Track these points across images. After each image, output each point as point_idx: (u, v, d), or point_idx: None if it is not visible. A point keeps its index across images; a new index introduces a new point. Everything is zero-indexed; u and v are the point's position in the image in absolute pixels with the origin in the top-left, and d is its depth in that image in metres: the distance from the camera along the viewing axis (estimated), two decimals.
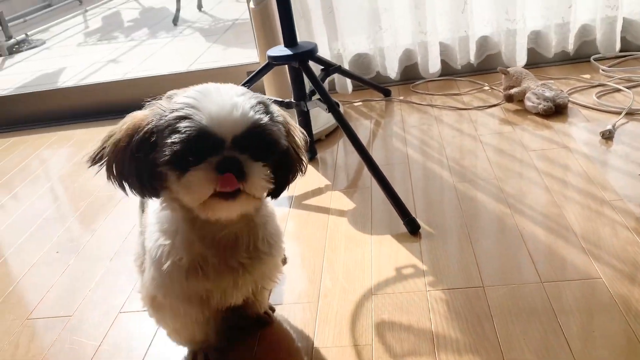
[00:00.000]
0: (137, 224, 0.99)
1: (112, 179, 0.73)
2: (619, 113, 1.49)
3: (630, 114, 1.48)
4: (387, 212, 1.24)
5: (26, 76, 3.13)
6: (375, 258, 1.11)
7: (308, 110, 1.48)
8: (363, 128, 1.70)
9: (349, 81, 1.89)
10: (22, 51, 3.78)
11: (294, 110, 1.50)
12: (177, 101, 0.69)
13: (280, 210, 1.32)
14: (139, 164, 0.71)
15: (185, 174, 0.68)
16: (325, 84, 1.91)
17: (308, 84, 1.47)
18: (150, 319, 1.02)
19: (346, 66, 1.88)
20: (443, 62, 1.89)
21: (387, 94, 1.87)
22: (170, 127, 0.67)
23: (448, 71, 1.91)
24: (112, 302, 1.11)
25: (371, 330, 0.94)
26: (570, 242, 1.06)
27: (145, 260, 0.86)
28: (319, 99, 1.38)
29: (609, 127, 1.40)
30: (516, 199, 1.22)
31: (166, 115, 0.68)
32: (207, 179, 0.67)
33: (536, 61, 1.86)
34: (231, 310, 0.92)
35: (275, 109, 0.74)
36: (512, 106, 1.65)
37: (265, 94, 1.70)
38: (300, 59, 1.39)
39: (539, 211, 1.17)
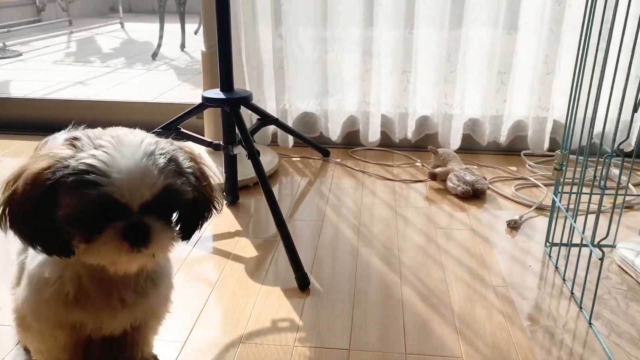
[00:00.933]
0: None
1: (18, 236, 0.71)
2: (530, 206, 1.55)
3: (540, 209, 1.54)
4: (285, 266, 1.25)
5: None
6: (257, 308, 1.11)
7: (235, 155, 1.51)
8: (294, 182, 1.73)
9: (290, 136, 1.93)
10: None
11: (222, 153, 1.53)
12: (82, 157, 0.66)
13: (182, 248, 1.32)
14: (39, 221, 0.68)
15: (90, 239, 0.67)
16: (268, 136, 1.97)
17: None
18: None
19: (291, 123, 1.93)
20: (383, 133, 1.96)
21: (325, 154, 1.92)
22: (74, 189, 0.65)
23: (387, 143, 1.97)
24: None
25: None
26: (446, 319, 1.08)
27: (23, 279, 0.83)
28: (242, 145, 1.42)
29: (516, 217, 1.45)
30: (410, 270, 1.24)
31: (69, 173, 0.66)
32: (118, 247, 0.67)
33: (470, 147, 1.94)
34: (108, 346, 0.90)
35: (183, 161, 0.73)
36: (436, 185, 1.71)
37: (203, 135, 1.75)
38: (232, 103, 1.43)
39: (427, 285, 1.19)
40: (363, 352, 0.99)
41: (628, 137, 1.05)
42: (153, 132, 1.50)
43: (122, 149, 0.67)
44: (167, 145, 0.73)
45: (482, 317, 1.08)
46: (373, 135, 1.94)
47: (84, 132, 0.72)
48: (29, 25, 4.92)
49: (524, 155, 1.91)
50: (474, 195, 1.60)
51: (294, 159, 1.93)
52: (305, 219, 1.50)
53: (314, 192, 1.67)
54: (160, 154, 0.69)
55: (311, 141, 1.88)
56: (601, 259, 1.01)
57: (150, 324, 0.90)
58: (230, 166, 1.52)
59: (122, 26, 5.37)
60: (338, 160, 1.90)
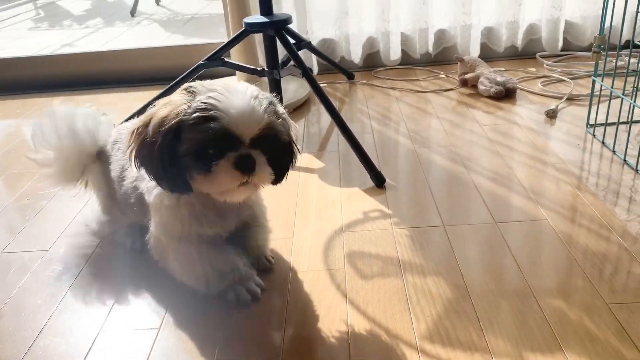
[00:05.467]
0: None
1: (147, 174, 0.82)
2: (560, 98, 1.65)
3: (571, 99, 1.65)
4: (354, 170, 1.33)
5: None
6: (345, 204, 1.20)
7: (279, 80, 1.55)
8: None
9: (315, 62, 1.98)
10: None
11: (266, 79, 1.57)
12: (201, 99, 0.77)
13: None
14: (164, 161, 0.79)
15: (210, 170, 0.78)
16: None
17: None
18: None
19: None
20: (403, 51, 2.01)
21: (350, 77, 1.97)
22: (196, 124, 0.76)
23: (407, 60, 2.04)
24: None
25: (343, 258, 1.01)
26: (520, 193, 1.18)
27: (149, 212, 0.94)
28: (293, 65, 1.46)
29: (553, 107, 1.55)
30: (471, 161, 1.34)
31: (191, 112, 0.77)
32: (232, 175, 0.78)
33: (487, 55, 2.01)
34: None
35: (280, 107, 0.85)
36: (466, 90, 1.79)
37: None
38: (277, 27, 1.47)
39: (491, 170, 1.29)
40: (456, 226, 1.08)
41: None
42: (199, 64, 1.53)
43: (233, 93, 0.78)
44: (265, 92, 0.84)
45: (552, 189, 1.19)
46: (394, 53, 1.99)
47: (197, 83, 0.82)
48: None
49: (539, 56, 2.00)
50: (506, 94, 1.69)
51: (321, 84, 1.97)
52: (354, 132, 1.56)
53: (352, 110, 1.74)
54: (263, 98, 0.81)
55: (338, 64, 1.93)
56: None
57: (259, 217, 1.01)
58: (277, 90, 1.56)
59: None
60: (364, 81, 1.96)
